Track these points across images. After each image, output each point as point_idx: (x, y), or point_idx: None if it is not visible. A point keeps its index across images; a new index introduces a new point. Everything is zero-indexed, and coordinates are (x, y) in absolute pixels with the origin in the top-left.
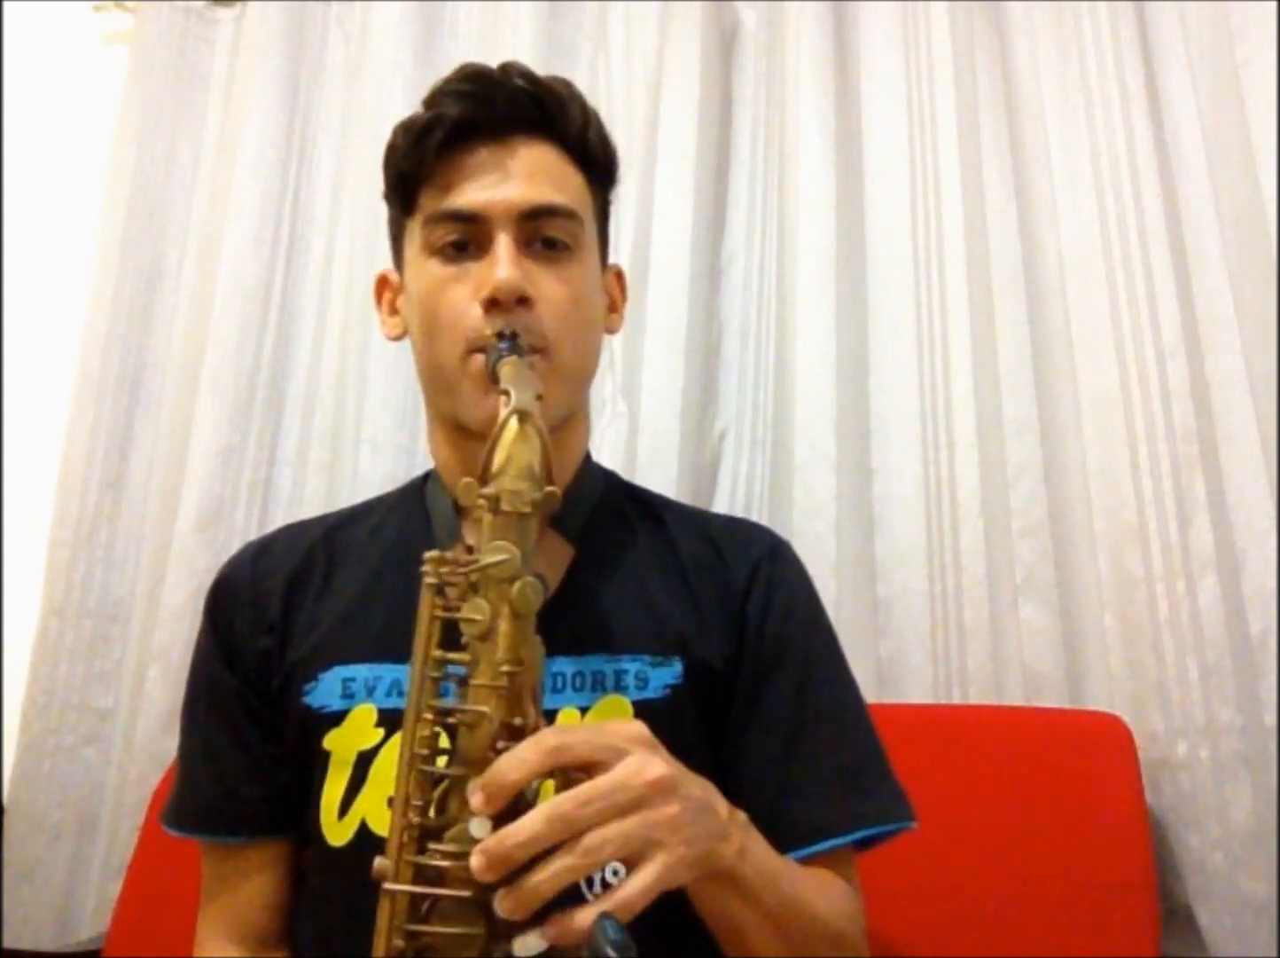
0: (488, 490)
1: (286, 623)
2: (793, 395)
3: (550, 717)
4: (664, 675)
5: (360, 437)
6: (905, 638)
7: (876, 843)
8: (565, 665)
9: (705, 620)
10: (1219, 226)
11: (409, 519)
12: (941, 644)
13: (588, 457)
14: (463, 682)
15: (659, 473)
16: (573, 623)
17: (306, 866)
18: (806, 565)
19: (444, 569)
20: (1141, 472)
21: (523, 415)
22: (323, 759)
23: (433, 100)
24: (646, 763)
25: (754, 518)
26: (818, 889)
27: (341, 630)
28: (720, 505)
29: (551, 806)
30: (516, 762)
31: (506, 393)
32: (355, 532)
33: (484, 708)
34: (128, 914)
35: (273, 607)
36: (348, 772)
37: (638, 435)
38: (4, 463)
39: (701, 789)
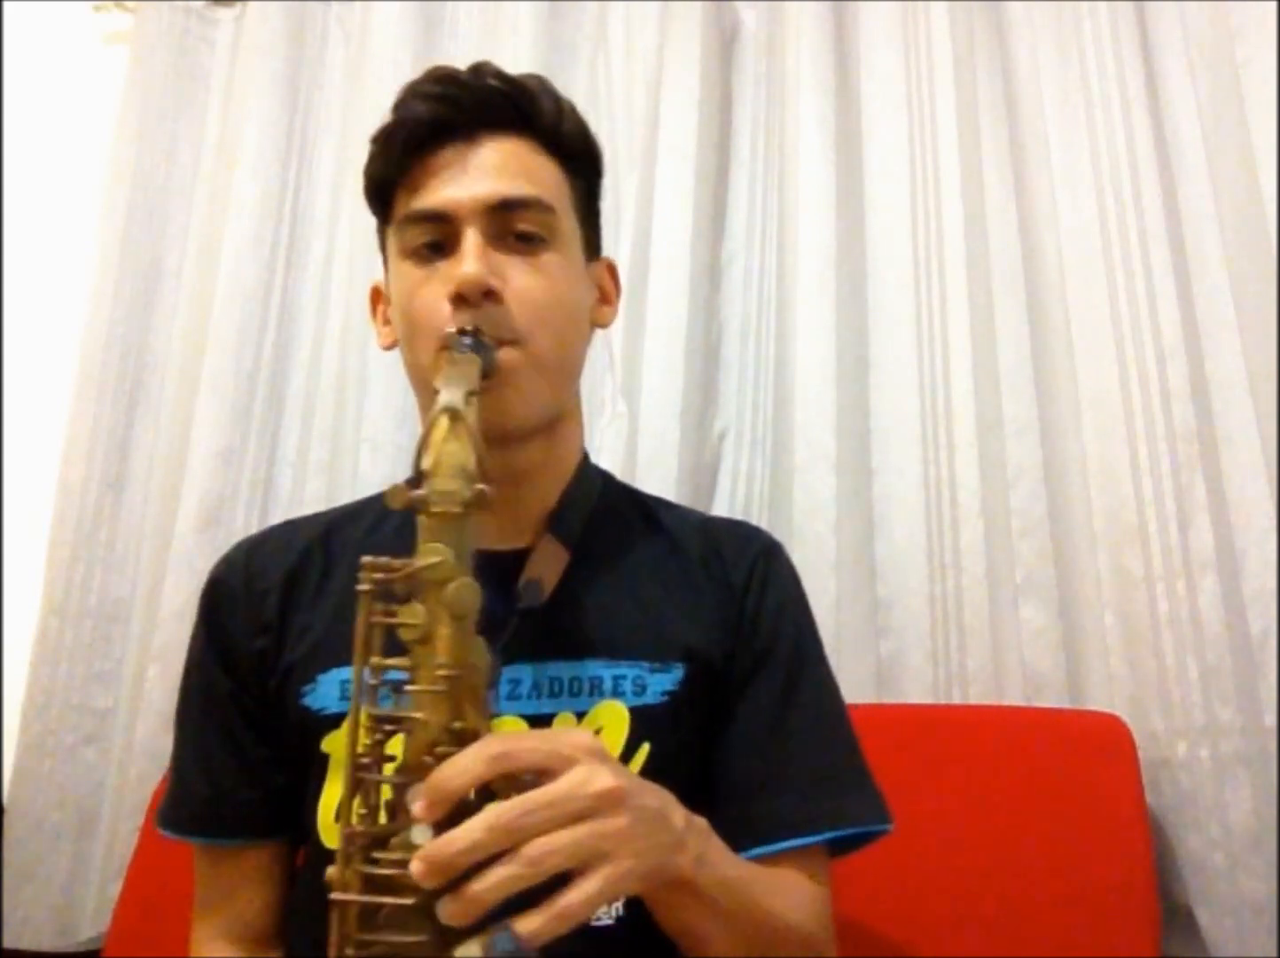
0: (418, 493)
1: (282, 623)
2: (793, 395)
3: (546, 722)
4: (662, 681)
5: (360, 437)
6: (905, 638)
7: (852, 848)
8: (561, 670)
9: (706, 622)
10: (1219, 227)
11: (404, 518)
12: (941, 644)
13: (585, 458)
14: (397, 688)
15: (659, 473)
16: (569, 628)
17: (302, 866)
18: (806, 565)
19: (378, 574)
20: (1141, 472)
21: (453, 414)
22: (321, 762)
23: (400, 104)
24: (594, 774)
25: (754, 518)
26: (780, 893)
27: (339, 631)
28: (720, 505)
29: (494, 814)
30: (459, 769)
31: (437, 391)
32: (352, 531)
33: (420, 713)
34: (128, 914)
35: (268, 607)
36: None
37: (638, 435)
38: (4, 463)
39: (656, 799)
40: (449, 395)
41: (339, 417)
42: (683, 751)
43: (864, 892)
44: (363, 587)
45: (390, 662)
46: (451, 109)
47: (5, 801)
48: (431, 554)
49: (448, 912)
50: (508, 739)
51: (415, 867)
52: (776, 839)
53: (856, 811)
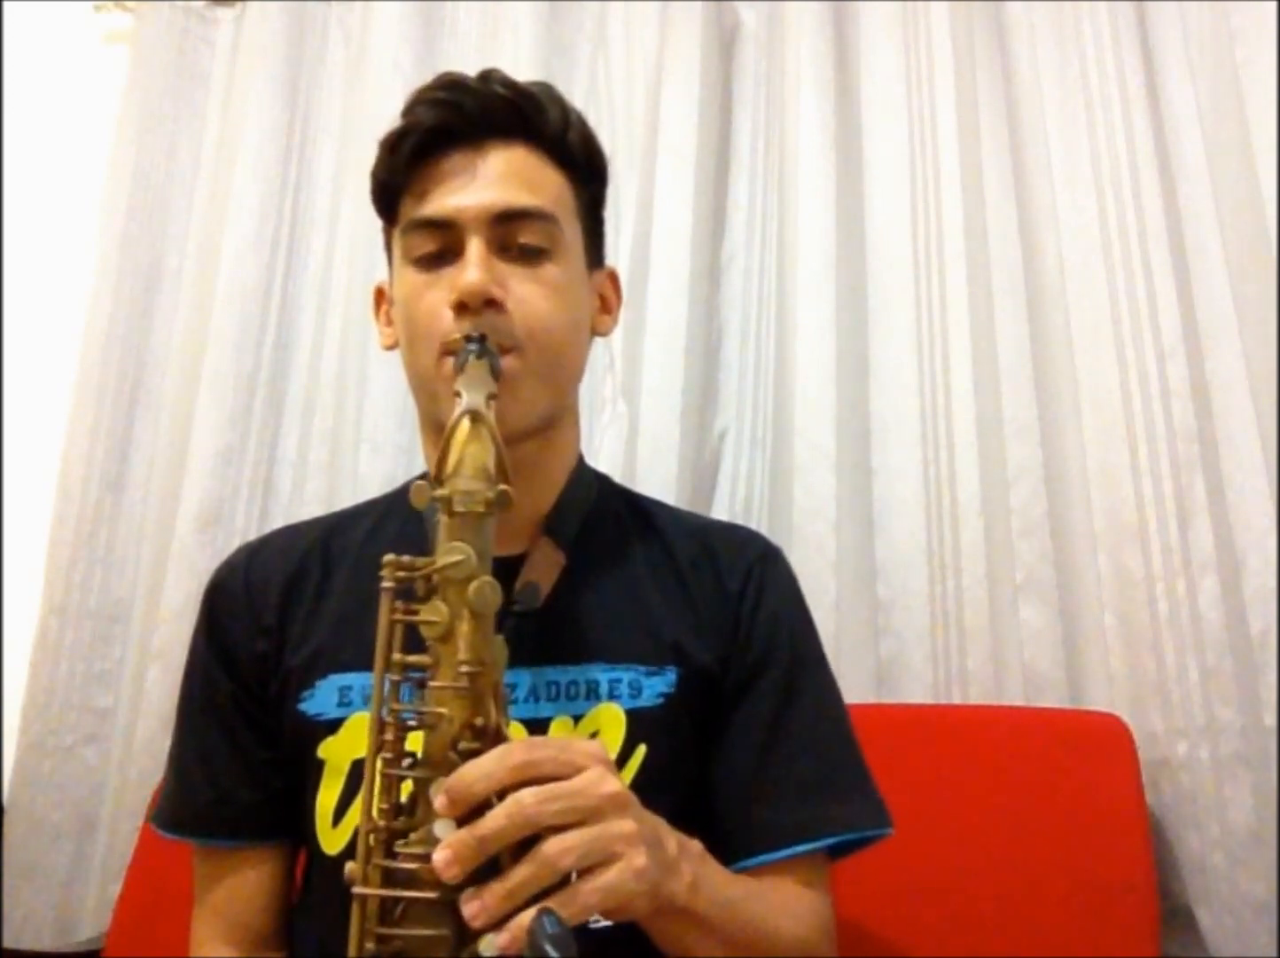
0: (440, 492)
1: (282, 627)
2: (793, 395)
3: (544, 725)
4: (658, 684)
5: (360, 437)
6: (905, 638)
7: (851, 851)
8: (558, 674)
9: (701, 626)
10: (1219, 226)
11: (404, 522)
12: (941, 644)
13: (580, 461)
14: (422, 684)
15: (659, 473)
16: (566, 631)
17: (304, 870)
18: (806, 566)
19: (401, 573)
20: (1141, 472)
21: (474, 415)
22: (317, 767)
23: (408, 109)
24: (603, 778)
25: (754, 518)
26: (779, 906)
27: (338, 637)
28: (720, 505)
29: (513, 802)
30: (482, 773)
31: (459, 394)
32: (351, 535)
33: (443, 709)
34: (128, 914)
35: (268, 610)
36: (341, 780)
37: (638, 436)
38: (4, 463)
39: (653, 819)
40: (471, 398)
41: (339, 417)
42: (679, 754)
43: (863, 892)
44: (386, 584)
45: (413, 658)
46: (458, 116)
47: (5, 801)
48: (454, 553)
49: (470, 911)
50: (530, 748)
51: (438, 857)
52: (775, 848)
53: (855, 815)
